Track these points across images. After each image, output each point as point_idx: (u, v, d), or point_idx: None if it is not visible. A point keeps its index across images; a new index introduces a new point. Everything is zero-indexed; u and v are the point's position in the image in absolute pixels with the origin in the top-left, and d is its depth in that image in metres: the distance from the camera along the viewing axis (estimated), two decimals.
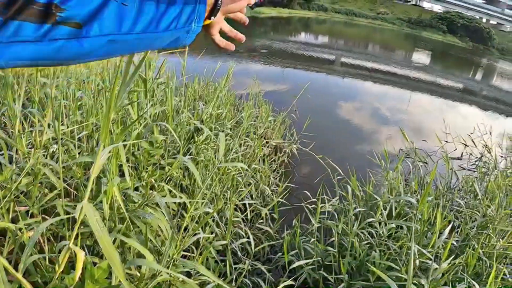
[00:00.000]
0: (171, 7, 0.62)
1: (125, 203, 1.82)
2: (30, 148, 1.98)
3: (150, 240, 1.67)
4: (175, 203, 2.27)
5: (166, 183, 2.33)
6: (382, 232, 2.29)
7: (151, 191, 2.24)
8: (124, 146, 1.87)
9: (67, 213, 1.58)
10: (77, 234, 1.56)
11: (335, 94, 8.66)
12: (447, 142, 5.53)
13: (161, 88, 3.25)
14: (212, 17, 0.74)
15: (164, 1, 0.61)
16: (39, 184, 1.77)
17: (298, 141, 4.32)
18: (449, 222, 2.53)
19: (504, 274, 2.10)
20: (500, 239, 2.44)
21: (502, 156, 5.30)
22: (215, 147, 2.76)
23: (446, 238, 2.16)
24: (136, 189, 2.17)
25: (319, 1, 52.74)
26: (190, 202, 1.97)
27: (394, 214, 2.66)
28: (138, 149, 2.35)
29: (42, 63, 0.51)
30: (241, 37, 0.90)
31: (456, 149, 5.56)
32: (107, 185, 1.51)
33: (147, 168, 2.26)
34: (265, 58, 11.80)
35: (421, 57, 25.61)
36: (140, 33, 0.58)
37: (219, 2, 0.72)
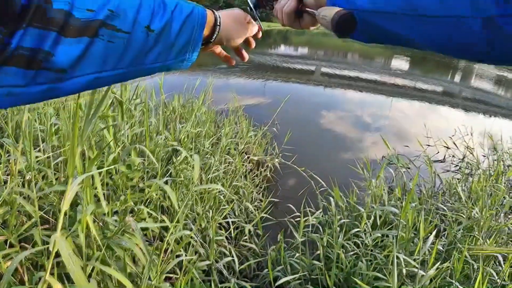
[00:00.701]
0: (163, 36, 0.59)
1: (102, 229, 1.78)
2: (7, 176, 1.94)
3: (131, 265, 1.64)
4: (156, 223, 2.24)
5: (146, 206, 2.30)
6: (368, 242, 2.27)
7: (130, 214, 2.21)
8: (102, 171, 1.83)
9: (45, 242, 1.54)
10: (57, 263, 1.53)
11: (316, 105, 8.66)
12: (429, 146, 5.57)
13: (139, 109, 3.22)
14: (210, 44, 0.72)
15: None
16: (17, 212, 1.73)
17: (280, 154, 4.29)
18: (435, 226, 2.54)
19: (492, 276, 2.10)
20: (487, 239, 2.45)
21: (484, 156, 5.36)
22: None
23: (432, 244, 2.16)
24: (117, 212, 2.13)
25: None
26: (168, 225, 1.93)
27: (379, 223, 2.65)
28: (116, 173, 2.31)
29: (25, 103, 0.50)
30: (245, 55, 0.88)
31: (438, 152, 5.60)
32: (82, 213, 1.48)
33: (125, 192, 2.22)
34: (245, 72, 11.83)
35: (400, 63, 25.93)
36: (126, 68, 0.56)
37: (218, 29, 0.70)
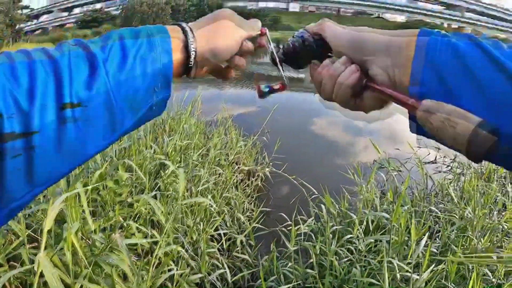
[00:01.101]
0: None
1: (90, 246, 1.76)
2: None
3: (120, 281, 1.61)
4: (146, 238, 2.21)
5: (136, 220, 2.27)
6: (361, 248, 2.26)
7: (120, 230, 2.18)
8: (87, 188, 1.81)
9: (33, 261, 1.52)
10: (44, 282, 1.49)
11: (306, 112, 8.65)
12: (420, 147, 5.58)
13: None
14: (191, 69, 0.54)
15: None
16: (5, 231, 1.71)
17: (271, 163, 4.28)
18: (429, 228, 2.53)
19: (487, 275, 2.09)
20: (481, 239, 2.44)
21: None
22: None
23: (425, 246, 2.14)
24: (105, 229, 2.10)
25: (285, 22, 53.73)
26: (158, 239, 1.90)
27: (372, 228, 2.64)
28: (104, 188, 2.28)
29: None
30: (243, 63, 0.63)
31: (429, 153, 5.62)
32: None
33: (114, 207, 2.19)
34: (234, 82, 11.84)
35: None
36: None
37: (192, 47, 0.51)
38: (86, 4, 69.93)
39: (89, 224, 1.71)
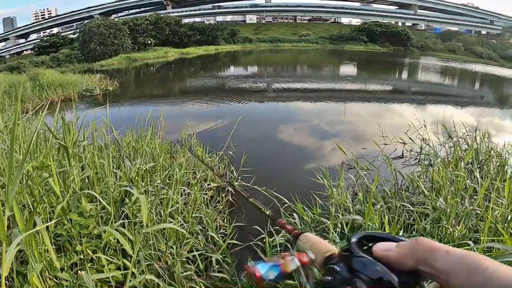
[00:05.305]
0: None
1: (58, 286, 1.68)
2: None
3: None
4: (119, 269, 2.13)
5: (106, 252, 2.19)
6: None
7: (90, 264, 2.09)
8: (44, 226, 1.72)
9: None
10: None
11: (271, 121, 8.66)
12: (386, 144, 5.66)
13: (88, 150, 3.10)
14: None
15: None
16: None
17: (239, 177, 4.25)
18: (404, 222, 2.54)
19: None
20: (457, 226, 2.46)
21: (440, 145, 5.50)
22: (148, 205, 2.64)
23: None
24: (76, 264, 2.02)
25: (243, 34, 53.98)
26: (127, 270, 1.83)
27: (347, 230, 2.64)
28: (68, 222, 2.19)
29: None
30: None
31: (396, 149, 5.73)
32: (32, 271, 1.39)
33: (81, 241, 2.11)
34: (196, 98, 11.79)
35: (348, 69, 26.69)
36: None
37: None
38: (42, 29, 68.51)
39: (53, 263, 1.63)
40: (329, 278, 0.46)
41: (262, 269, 0.50)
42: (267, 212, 0.88)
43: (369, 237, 0.48)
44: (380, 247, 0.45)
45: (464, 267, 0.38)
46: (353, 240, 0.48)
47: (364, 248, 0.47)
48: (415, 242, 0.43)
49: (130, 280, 1.73)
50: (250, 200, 0.96)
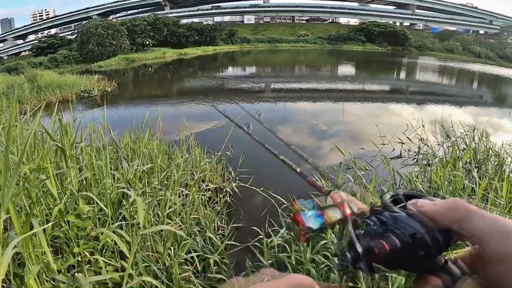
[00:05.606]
0: None
1: None
2: None
3: None
4: (116, 270, 2.13)
5: (103, 254, 2.18)
6: (337, 252, 2.24)
7: (88, 265, 2.09)
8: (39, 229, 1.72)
9: None
10: None
11: (269, 121, 8.59)
12: (384, 144, 5.66)
13: (85, 152, 3.09)
14: None
15: None
16: None
17: (237, 178, 4.24)
18: None
19: None
20: None
21: (439, 144, 5.50)
22: (145, 206, 2.63)
23: None
24: (73, 266, 2.02)
25: (241, 34, 53.99)
26: (125, 271, 1.82)
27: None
28: (66, 223, 2.18)
29: None
30: None
31: (394, 149, 5.73)
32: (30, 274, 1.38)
33: (78, 242, 2.10)
34: (194, 99, 11.79)
35: (347, 69, 26.71)
36: None
37: None
38: (40, 30, 68.38)
39: (50, 266, 1.63)
40: (362, 232, 0.46)
41: (307, 220, 0.49)
42: (298, 170, 0.86)
43: (404, 195, 0.50)
44: (415, 204, 0.46)
45: (499, 232, 0.39)
46: (387, 196, 0.49)
47: (399, 206, 0.47)
48: (452, 202, 0.44)
49: (128, 282, 1.72)
50: (280, 157, 0.96)
